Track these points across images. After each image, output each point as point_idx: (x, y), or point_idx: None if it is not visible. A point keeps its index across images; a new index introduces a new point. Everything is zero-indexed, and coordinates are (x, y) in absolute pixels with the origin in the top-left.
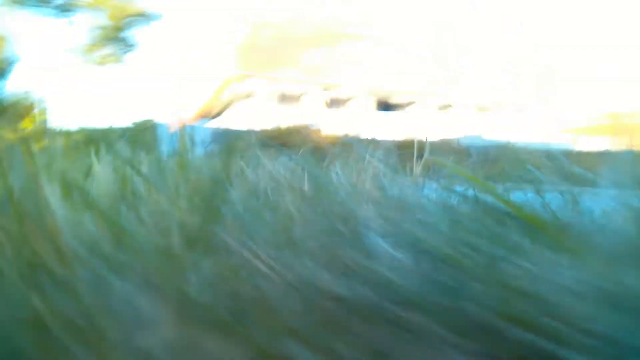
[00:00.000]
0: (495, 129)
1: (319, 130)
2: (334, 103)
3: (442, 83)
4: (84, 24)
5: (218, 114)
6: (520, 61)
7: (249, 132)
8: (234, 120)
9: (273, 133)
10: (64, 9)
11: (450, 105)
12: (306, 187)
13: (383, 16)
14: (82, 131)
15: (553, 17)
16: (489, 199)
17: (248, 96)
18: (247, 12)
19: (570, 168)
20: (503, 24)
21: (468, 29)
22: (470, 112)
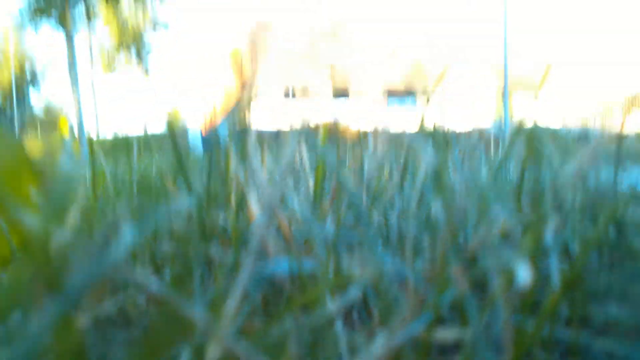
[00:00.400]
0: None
1: (339, 124)
2: (343, 96)
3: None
4: (100, 34)
5: (237, 114)
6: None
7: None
8: (253, 119)
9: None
10: (81, 22)
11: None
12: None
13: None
14: (115, 138)
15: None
16: None
17: (262, 94)
18: (253, 13)
19: None
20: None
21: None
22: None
